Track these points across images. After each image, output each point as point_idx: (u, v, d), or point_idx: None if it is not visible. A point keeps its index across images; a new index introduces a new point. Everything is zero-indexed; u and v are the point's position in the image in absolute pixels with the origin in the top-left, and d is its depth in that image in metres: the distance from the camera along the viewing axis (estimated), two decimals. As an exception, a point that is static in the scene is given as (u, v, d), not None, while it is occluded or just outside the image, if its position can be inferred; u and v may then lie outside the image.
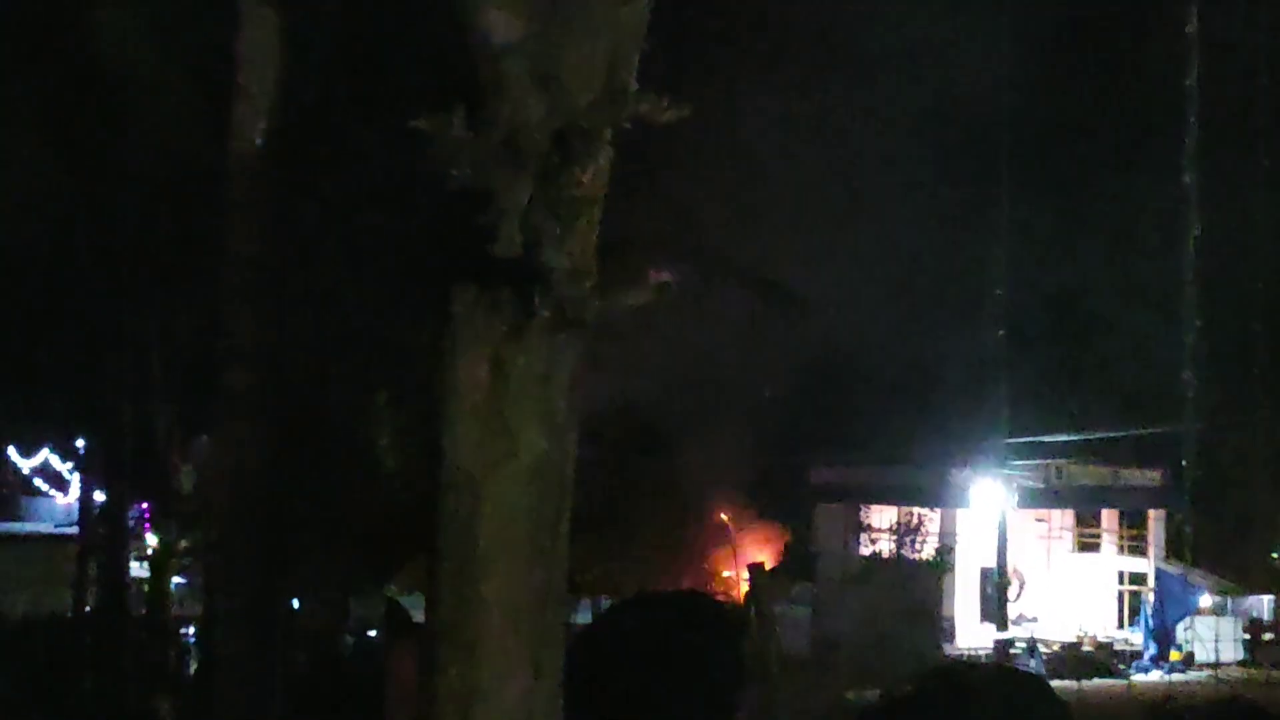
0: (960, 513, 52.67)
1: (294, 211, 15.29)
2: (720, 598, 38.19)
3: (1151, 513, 54.87)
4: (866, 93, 59.42)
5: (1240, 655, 50.99)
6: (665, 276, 8.27)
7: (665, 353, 50.65)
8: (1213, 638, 50.09)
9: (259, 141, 14.47)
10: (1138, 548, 55.21)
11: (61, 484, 51.15)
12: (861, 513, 54.44)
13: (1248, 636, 51.78)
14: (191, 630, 34.08)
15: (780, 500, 61.24)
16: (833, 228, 56.31)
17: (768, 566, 54.95)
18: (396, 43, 14.42)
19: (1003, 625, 50.51)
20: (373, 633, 32.17)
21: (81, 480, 37.60)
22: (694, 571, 58.34)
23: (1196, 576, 51.66)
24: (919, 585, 50.97)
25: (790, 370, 59.51)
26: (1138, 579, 54.17)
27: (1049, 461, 53.83)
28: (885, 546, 53.38)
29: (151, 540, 36.16)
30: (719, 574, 57.44)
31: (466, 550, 7.54)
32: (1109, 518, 56.51)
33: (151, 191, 20.14)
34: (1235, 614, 51.99)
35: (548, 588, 7.69)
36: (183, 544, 34.88)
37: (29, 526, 48.85)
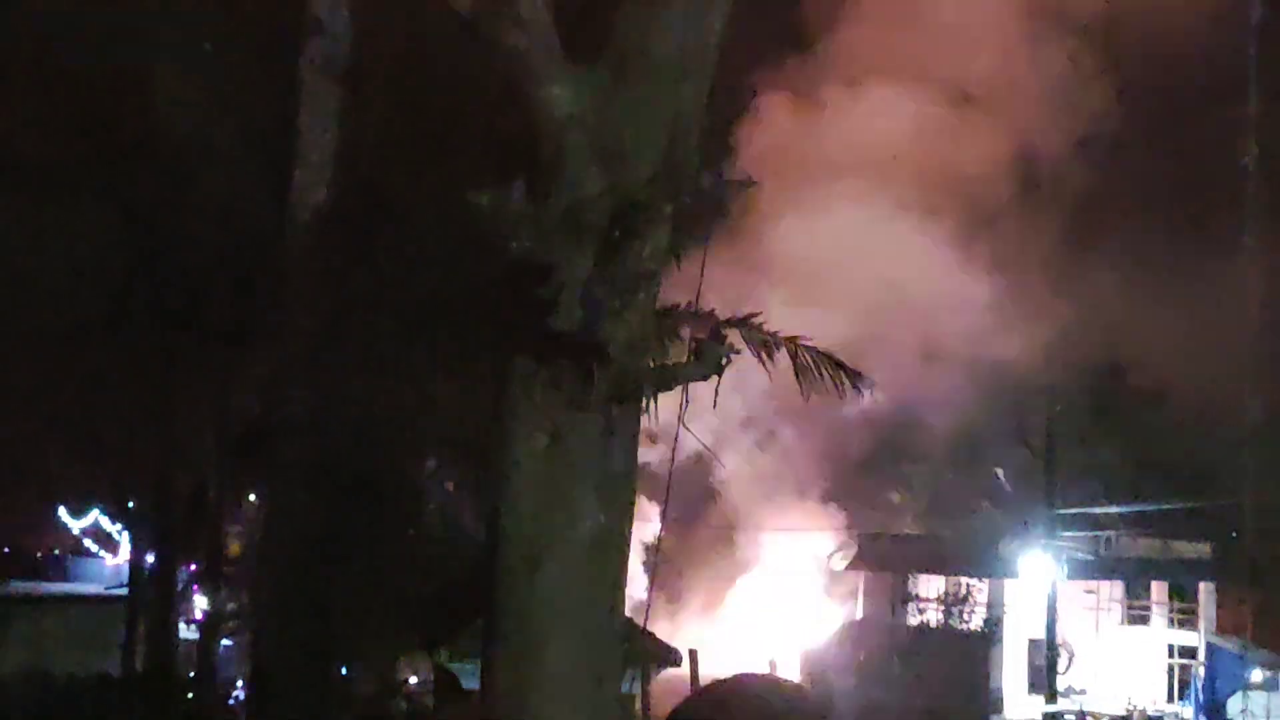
0: (1009, 583, 52.32)
1: (350, 279, 15.38)
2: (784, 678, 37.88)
3: (1202, 585, 54.37)
4: (909, 153, 59.55)
5: (1293, 731, 50.43)
6: (723, 350, 8.27)
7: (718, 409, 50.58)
8: (1264, 713, 49.51)
9: (318, 209, 14.59)
10: (1188, 621, 54.70)
11: (111, 545, 51.23)
12: (909, 582, 54.09)
13: (1300, 712, 51.22)
14: (240, 692, 34.06)
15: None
16: (880, 294, 56.30)
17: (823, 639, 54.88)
18: (457, 114, 14.53)
19: (1051, 697, 50.04)
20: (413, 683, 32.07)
21: (131, 541, 37.72)
22: (753, 635, 58.11)
23: (1249, 651, 51.13)
24: (967, 656, 50.56)
25: (839, 436, 59.49)
26: (1188, 652, 53.63)
27: (1099, 532, 53.46)
28: (933, 616, 53.00)
29: (200, 602, 36.21)
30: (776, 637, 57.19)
31: (523, 622, 7.54)
32: (1159, 590, 56.01)
33: (208, 258, 20.29)
34: (1288, 689, 51.40)
35: (603, 658, 7.68)
36: (231, 606, 34.90)
37: (78, 587, 48.92)
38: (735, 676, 25.37)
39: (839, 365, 13.75)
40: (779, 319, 13.37)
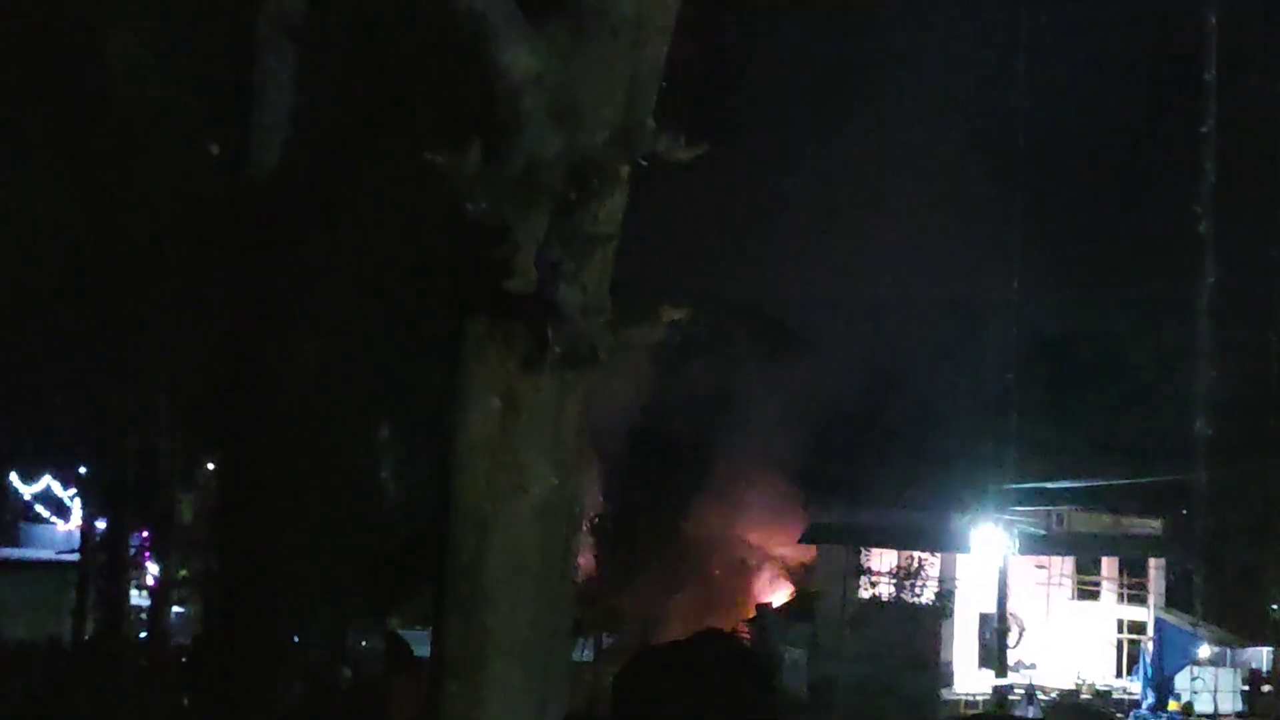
0: (960, 557, 52.58)
1: (304, 242, 15.29)
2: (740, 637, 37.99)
3: (1152, 561, 54.81)
4: (867, 135, 59.64)
5: (1239, 706, 50.87)
6: (676, 314, 8.25)
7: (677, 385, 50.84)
8: (1211, 688, 49.97)
9: (272, 171, 14.49)
10: (1137, 596, 55.13)
11: (63, 511, 51.02)
12: (862, 555, 54.29)
13: (1246, 688, 51.66)
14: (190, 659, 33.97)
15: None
16: (836, 270, 56.41)
17: (774, 605, 55.10)
18: (412, 75, 14.44)
19: (1001, 671, 50.37)
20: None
21: (83, 507, 37.56)
22: (707, 607, 58.21)
23: (1197, 627, 51.60)
24: (918, 629, 50.81)
25: (794, 411, 59.56)
26: (1137, 628, 54.06)
27: (1050, 508, 53.74)
28: (885, 589, 53.22)
29: (152, 569, 36.08)
30: (730, 609, 57.28)
31: (473, 584, 7.51)
32: (1109, 566, 56.43)
33: (161, 220, 20.14)
34: (1234, 665, 51.87)
35: (554, 624, 7.66)
36: (183, 573, 34.80)
37: (29, 553, 48.75)
38: (693, 633, 25.49)
39: (781, 328, 13.76)
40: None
